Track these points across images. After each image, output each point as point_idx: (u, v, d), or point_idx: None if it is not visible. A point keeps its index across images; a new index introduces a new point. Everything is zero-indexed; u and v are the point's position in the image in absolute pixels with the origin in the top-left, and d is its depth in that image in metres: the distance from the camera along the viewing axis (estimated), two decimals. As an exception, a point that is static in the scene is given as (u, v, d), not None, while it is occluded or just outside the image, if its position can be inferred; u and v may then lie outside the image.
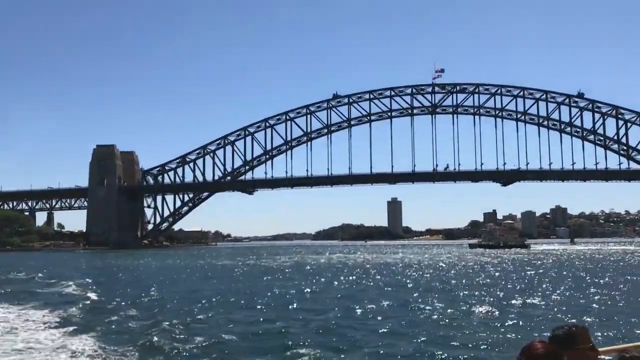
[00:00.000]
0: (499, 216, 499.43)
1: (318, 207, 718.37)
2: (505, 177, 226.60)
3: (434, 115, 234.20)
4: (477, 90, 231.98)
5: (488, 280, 58.88)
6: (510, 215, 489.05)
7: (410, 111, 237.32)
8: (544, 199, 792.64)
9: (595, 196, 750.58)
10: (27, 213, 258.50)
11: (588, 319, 29.55)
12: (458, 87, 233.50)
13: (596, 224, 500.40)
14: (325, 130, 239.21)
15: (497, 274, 69.65)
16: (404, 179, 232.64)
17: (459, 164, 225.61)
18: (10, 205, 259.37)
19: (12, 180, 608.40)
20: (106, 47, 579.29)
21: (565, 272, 71.26)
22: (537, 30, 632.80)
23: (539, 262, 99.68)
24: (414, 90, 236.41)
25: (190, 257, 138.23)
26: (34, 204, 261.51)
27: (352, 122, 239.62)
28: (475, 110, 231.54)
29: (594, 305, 36.68)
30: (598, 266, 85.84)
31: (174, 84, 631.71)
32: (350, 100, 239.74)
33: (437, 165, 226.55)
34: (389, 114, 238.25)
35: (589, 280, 57.36)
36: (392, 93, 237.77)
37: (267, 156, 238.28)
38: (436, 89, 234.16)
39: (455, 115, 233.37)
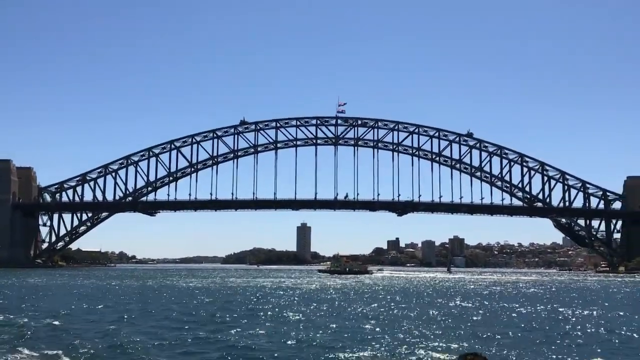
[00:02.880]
0: (402, 244, 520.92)
1: (230, 231, 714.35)
2: (399, 208, 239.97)
3: (336, 146, 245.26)
4: (376, 125, 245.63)
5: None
6: (412, 244, 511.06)
7: (314, 141, 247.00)
8: (449, 229, 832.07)
9: (493, 229, 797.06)
10: None
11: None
12: (359, 121, 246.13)
13: (490, 255, 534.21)
14: (232, 155, 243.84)
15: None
16: (306, 205, 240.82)
17: (358, 194, 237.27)
18: None
19: None
20: (2, 55, 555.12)
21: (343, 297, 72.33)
22: (434, 71, 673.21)
23: (336, 288, 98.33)
24: (319, 122, 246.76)
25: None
26: None
27: (259, 149, 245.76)
28: (375, 143, 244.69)
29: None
30: (393, 291, 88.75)
31: (76, 99, 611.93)
32: (257, 127, 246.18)
33: (337, 194, 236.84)
34: (295, 142, 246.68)
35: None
36: (298, 123, 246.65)
37: (171, 178, 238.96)
38: (339, 121, 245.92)
39: (356, 147, 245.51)
